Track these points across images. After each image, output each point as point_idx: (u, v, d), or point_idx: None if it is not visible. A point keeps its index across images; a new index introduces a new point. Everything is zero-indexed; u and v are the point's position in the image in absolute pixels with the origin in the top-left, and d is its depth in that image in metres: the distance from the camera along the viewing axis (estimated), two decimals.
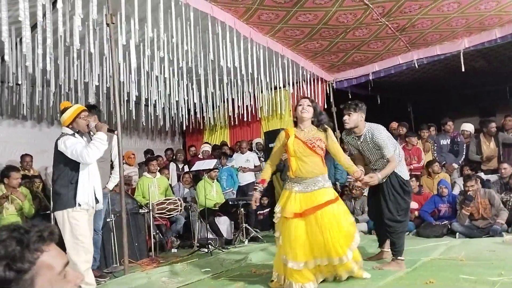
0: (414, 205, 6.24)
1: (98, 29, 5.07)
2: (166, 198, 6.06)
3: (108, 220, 4.52)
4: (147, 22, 4.58)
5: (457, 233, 5.42)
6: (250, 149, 8.18)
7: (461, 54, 6.75)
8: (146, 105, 7.26)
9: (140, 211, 5.34)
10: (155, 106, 7.14)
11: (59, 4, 3.83)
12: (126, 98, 6.34)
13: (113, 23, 4.54)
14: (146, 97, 6.68)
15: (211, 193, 6.53)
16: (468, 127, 7.12)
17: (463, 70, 6.74)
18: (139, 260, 4.85)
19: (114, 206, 4.61)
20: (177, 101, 7.13)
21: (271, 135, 8.23)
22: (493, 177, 6.20)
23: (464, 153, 6.75)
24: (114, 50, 4.60)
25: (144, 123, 7.69)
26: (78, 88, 5.93)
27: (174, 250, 5.90)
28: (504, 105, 8.93)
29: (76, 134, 3.43)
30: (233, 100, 7.85)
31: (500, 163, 6.23)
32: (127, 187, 6.20)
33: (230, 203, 6.41)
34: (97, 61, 5.39)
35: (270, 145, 8.08)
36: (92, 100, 6.35)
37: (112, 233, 4.61)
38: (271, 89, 7.68)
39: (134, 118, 7.11)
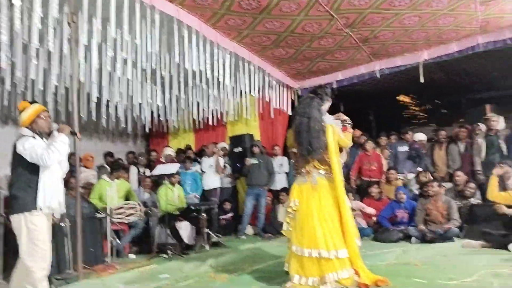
0: (371, 210, 6.42)
1: (59, 28, 4.91)
2: (125, 202, 5.90)
3: (62, 224, 4.35)
4: (110, 22, 4.49)
5: (413, 238, 5.60)
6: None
7: (421, 65, 7.01)
8: (108, 106, 7.08)
9: (97, 215, 5.18)
10: (117, 107, 6.97)
11: (17, 1, 3.69)
12: (86, 98, 6.16)
13: (74, 22, 4.43)
14: (108, 99, 6.51)
15: (172, 198, 6.42)
16: (421, 136, 7.43)
17: (422, 81, 7.00)
18: (94, 266, 4.70)
19: (69, 210, 4.44)
20: (140, 103, 7.00)
21: (236, 140, 8.25)
22: (447, 185, 6.47)
23: (423, 159, 7.04)
24: (75, 49, 4.48)
25: (105, 124, 7.49)
26: (35, 87, 5.71)
27: (132, 256, 5.75)
28: (459, 116, 9.33)
29: (36, 135, 3.28)
30: (198, 103, 7.79)
31: (454, 171, 6.51)
32: (85, 191, 6.00)
33: (192, 208, 6.33)
34: (57, 60, 5.21)
35: (235, 150, 8.11)
36: (50, 100, 6.13)
37: (66, 238, 4.43)
38: (237, 94, 7.69)
39: (94, 119, 6.92)
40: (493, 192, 5.26)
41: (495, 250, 4.67)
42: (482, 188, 6.28)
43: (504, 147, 6.28)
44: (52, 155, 3.17)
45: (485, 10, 5.56)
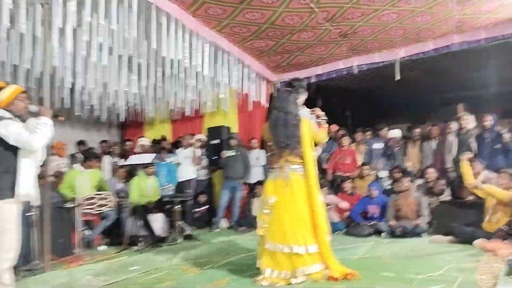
0: (346, 205, 6.49)
1: (32, 9, 4.73)
2: (97, 193, 5.77)
3: (29, 214, 4.21)
4: (86, 5, 4.35)
5: (383, 233, 5.71)
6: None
7: (397, 63, 7.10)
8: (82, 93, 6.90)
9: (66, 205, 5.04)
10: (91, 94, 6.79)
11: None
12: (59, 84, 5.98)
13: (48, 4, 4.28)
14: (82, 85, 6.34)
15: (146, 189, 6.31)
16: (396, 133, 7.53)
17: (398, 78, 7.09)
18: (62, 257, 4.58)
19: None
20: (115, 91, 6.84)
21: (214, 132, 8.17)
22: (418, 181, 6.59)
23: (397, 157, 7.15)
24: (48, 32, 4.33)
25: (78, 112, 7.30)
26: (6, 71, 5.50)
27: (102, 248, 5.64)
28: (433, 114, 9.52)
29: (15, 118, 3.11)
30: (175, 93, 7.67)
31: (426, 168, 6.65)
32: (55, 180, 5.83)
33: (166, 199, 6.24)
34: (29, 43, 5.03)
35: (212, 142, 8.04)
36: (21, 84, 5.92)
37: (33, 228, 4.29)
38: (215, 85, 7.60)
39: (67, 106, 6.72)
40: (470, 177, 5.37)
41: (462, 245, 4.79)
42: (453, 185, 6.45)
43: (474, 145, 6.45)
44: (38, 139, 3.03)
45: (462, 10, 5.67)
